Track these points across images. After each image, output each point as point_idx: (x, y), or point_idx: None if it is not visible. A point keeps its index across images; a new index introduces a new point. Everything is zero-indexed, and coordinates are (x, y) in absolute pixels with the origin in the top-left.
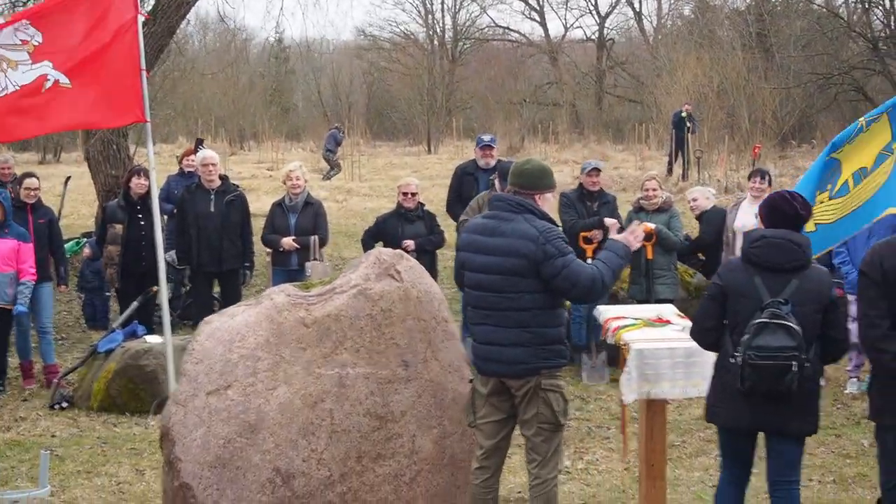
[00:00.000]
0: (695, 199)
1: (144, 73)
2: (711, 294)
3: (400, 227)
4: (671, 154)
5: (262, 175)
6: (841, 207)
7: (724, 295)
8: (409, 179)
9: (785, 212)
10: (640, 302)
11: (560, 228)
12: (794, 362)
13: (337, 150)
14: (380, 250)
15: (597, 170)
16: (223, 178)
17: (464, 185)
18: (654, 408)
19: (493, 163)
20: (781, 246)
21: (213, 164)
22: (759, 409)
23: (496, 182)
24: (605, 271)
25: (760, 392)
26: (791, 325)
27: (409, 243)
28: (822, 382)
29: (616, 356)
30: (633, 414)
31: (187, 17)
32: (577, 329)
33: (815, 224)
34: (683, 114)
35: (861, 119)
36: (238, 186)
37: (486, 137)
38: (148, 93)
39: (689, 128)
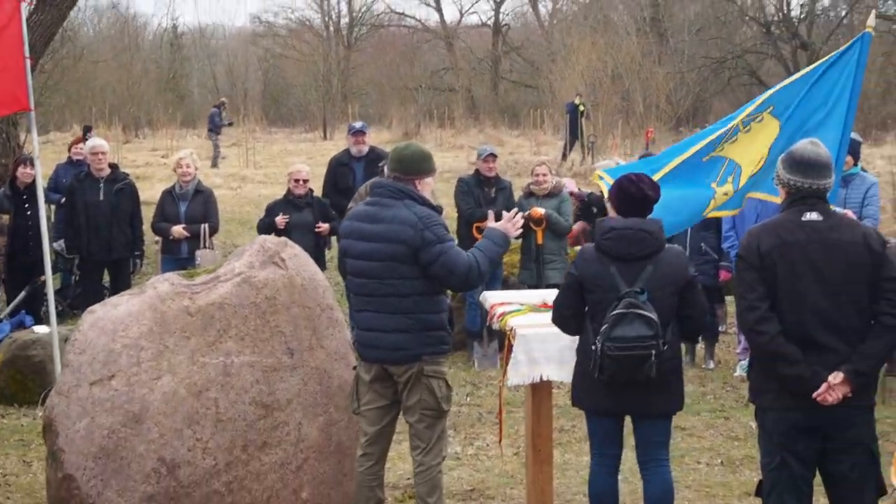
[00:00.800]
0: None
1: (28, 61)
2: (569, 283)
3: (289, 214)
4: (566, 140)
5: (157, 162)
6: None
7: (581, 284)
8: (299, 166)
9: (633, 195)
10: (530, 287)
11: (441, 215)
12: (652, 350)
13: (218, 130)
14: (264, 238)
15: (493, 155)
16: (112, 166)
17: (338, 176)
18: (540, 393)
19: (365, 150)
20: (632, 236)
21: (102, 153)
22: (622, 393)
23: (385, 169)
24: (481, 259)
25: (620, 381)
26: (647, 314)
27: (325, 227)
28: (711, 365)
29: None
30: (523, 399)
31: (79, 4)
32: (472, 315)
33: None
34: (577, 101)
35: (737, 121)
36: (127, 175)
37: (358, 124)
38: (36, 81)
39: (583, 112)
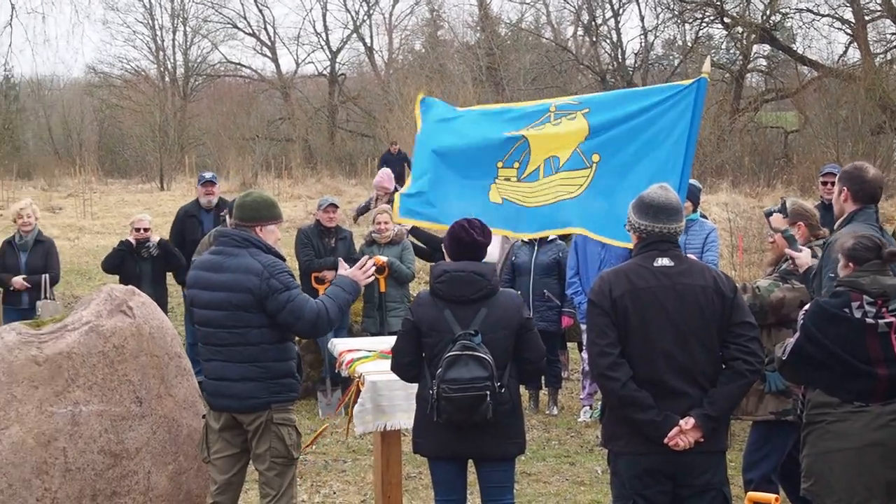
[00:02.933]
0: None
1: None
2: (406, 329)
3: (136, 264)
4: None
5: None
6: (530, 194)
7: (417, 329)
8: (141, 215)
9: (462, 240)
10: (373, 334)
11: (285, 262)
12: (487, 392)
13: None
14: (111, 286)
15: (334, 206)
16: None
17: (186, 227)
18: (389, 439)
19: (215, 200)
20: (465, 279)
21: None
22: (462, 437)
23: (227, 218)
24: (330, 306)
25: (457, 423)
26: (482, 355)
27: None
28: (555, 411)
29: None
30: (370, 446)
31: None
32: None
33: (503, 198)
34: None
35: (550, 106)
36: None
37: (207, 174)
38: None
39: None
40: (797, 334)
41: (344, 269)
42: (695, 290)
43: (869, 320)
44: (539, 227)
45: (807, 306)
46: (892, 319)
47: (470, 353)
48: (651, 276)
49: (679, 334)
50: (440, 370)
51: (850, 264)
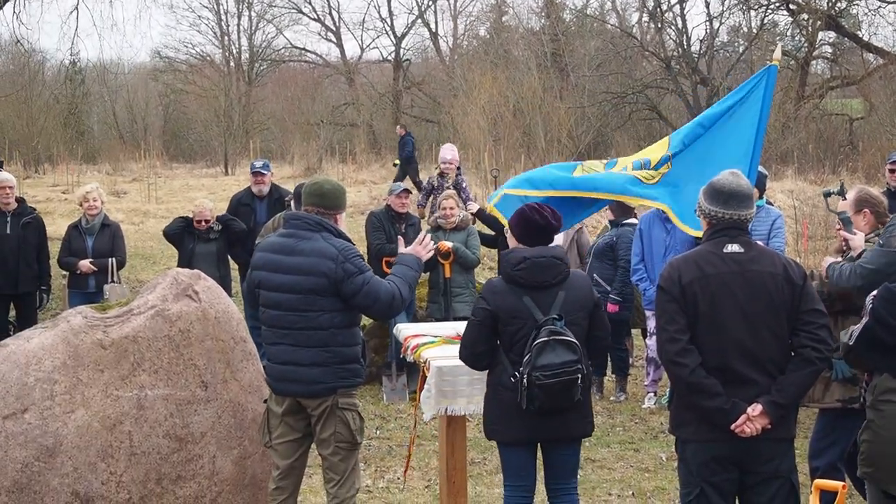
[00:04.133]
0: None
1: None
2: (479, 319)
3: (194, 244)
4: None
5: (58, 198)
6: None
7: (495, 318)
8: (202, 204)
9: (536, 223)
10: (438, 320)
11: (355, 246)
12: (578, 375)
13: None
14: (177, 270)
15: (407, 191)
16: (20, 200)
17: (240, 215)
18: (454, 424)
19: (266, 189)
20: (545, 264)
21: (9, 187)
22: (543, 422)
23: (292, 203)
24: (400, 285)
25: (550, 409)
26: (569, 338)
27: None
28: (622, 398)
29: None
30: (434, 432)
31: None
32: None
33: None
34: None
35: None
36: (34, 209)
37: (258, 163)
38: None
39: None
40: (865, 318)
41: (403, 247)
42: (764, 276)
43: None
44: (617, 192)
45: (875, 291)
46: None
47: (557, 337)
48: (721, 262)
49: (748, 321)
50: (528, 357)
51: None
